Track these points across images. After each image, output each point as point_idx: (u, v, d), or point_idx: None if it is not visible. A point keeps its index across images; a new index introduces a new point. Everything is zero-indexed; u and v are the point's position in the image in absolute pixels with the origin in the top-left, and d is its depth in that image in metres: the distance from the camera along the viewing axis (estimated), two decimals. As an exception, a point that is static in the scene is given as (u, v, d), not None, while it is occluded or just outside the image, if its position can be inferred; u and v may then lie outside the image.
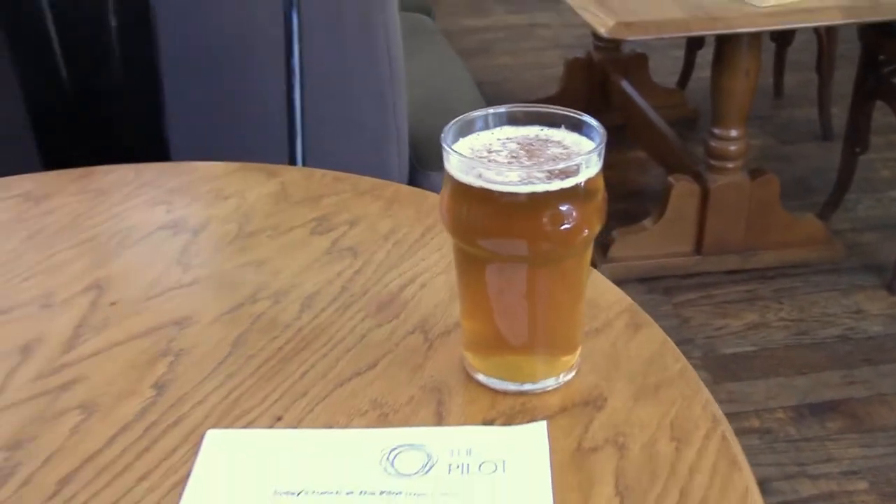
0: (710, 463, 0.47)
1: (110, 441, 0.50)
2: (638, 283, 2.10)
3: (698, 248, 2.10)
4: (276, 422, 0.51)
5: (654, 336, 0.57)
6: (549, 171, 0.48)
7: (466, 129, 0.51)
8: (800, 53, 3.02)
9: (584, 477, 0.46)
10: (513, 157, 0.50)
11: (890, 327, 1.93)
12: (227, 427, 0.51)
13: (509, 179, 0.48)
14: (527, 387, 0.52)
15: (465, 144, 0.51)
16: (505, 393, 0.52)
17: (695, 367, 1.83)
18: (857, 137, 2.18)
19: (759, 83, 3.03)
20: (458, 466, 0.47)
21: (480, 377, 0.53)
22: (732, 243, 2.09)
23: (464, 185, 0.48)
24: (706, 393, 0.52)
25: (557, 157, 0.49)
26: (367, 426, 0.50)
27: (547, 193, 0.47)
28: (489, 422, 0.50)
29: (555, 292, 0.51)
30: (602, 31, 1.72)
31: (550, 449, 0.48)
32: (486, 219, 0.49)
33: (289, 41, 1.12)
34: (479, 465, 0.47)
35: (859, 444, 1.63)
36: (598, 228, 0.50)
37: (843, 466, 1.59)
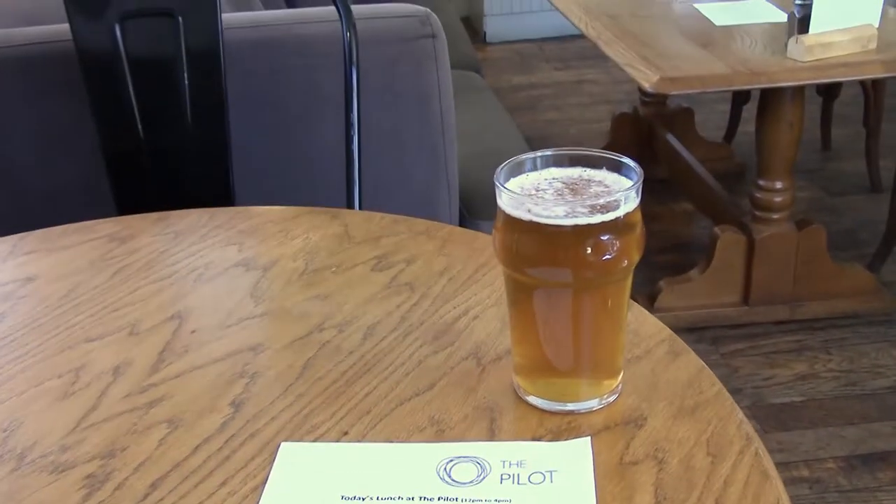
0: (743, 476, 0.51)
1: (194, 451, 0.56)
2: (686, 332, 2.12)
3: (746, 299, 2.12)
4: (342, 436, 0.56)
5: (691, 363, 0.61)
6: (591, 206, 0.53)
7: (516, 170, 0.56)
8: (847, 107, 3.04)
9: (625, 486, 0.50)
10: (558, 194, 0.55)
11: (942, 378, 1.91)
12: (298, 440, 0.56)
13: (555, 213, 0.53)
14: (571, 406, 0.56)
15: (516, 183, 0.56)
16: (552, 413, 0.57)
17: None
18: (905, 189, 2.19)
19: (807, 136, 3.07)
20: (509, 476, 0.51)
21: (529, 398, 0.57)
22: (780, 294, 2.10)
23: (514, 219, 0.53)
24: (740, 414, 0.56)
25: (599, 194, 0.54)
26: (425, 440, 0.55)
27: (590, 226, 0.52)
28: (538, 438, 0.55)
29: (597, 318, 0.56)
30: (647, 86, 1.78)
31: (594, 462, 0.52)
32: (535, 249, 0.54)
33: (348, 96, 1.20)
34: (529, 476, 0.51)
35: (912, 496, 1.62)
36: (636, 259, 0.55)
37: (895, 517, 1.58)
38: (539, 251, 0.53)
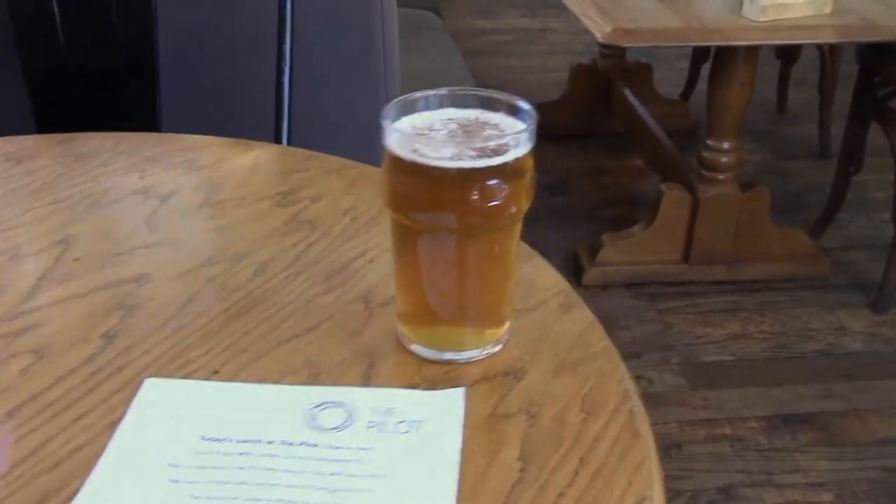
0: (613, 434, 0.50)
1: (56, 382, 0.53)
2: (624, 288, 2.13)
3: (686, 257, 2.12)
4: (212, 374, 0.54)
5: (583, 317, 0.60)
6: (479, 150, 0.50)
7: (408, 108, 0.54)
8: (806, 71, 3.04)
9: (493, 440, 0.49)
10: (450, 135, 0.53)
11: (870, 345, 1.95)
12: (166, 377, 0.54)
13: (442, 155, 0.50)
14: (450, 355, 0.55)
15: (408, 122, 0.54)
16: (432, 361, 0.55)
17: (673, 373, 1.84)
18: (851, 157, 2.20)
19: (763, 99, 3.07)
20: (375, 424, 0.50)
21: (410, 345, 0.56)
22: (720, 254, 2.11)
23: (399, 159, 0.51)
24: (623, 370, 0.55)
25: (490, 137, 0.52)
26: (298, 383, 0.53)
27: (476, 170, 0.50)
28: (413, 386, 0.53)
29: (482, 266, 0.54)
30: (599, 36, 1.75)
31: (466, 414, 0.51)
32: (419, 192, 0.51)
33: (281, 25, 1.15)
34: (396, 424, 0.50)
35: (828, 458, 1.65)
36: (525, 206, 0.53)
37: (809, 478, 1.61)
38: (423, 194, 0.51)
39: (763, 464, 1.64)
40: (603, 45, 2.64)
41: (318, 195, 0.75)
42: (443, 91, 0.54)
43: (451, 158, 0.50)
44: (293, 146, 1.24)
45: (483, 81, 3.29)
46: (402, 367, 0.55)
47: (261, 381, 0.53)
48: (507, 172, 0.51)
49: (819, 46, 2.66)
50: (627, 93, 2.65)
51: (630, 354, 1.91)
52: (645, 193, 2.52)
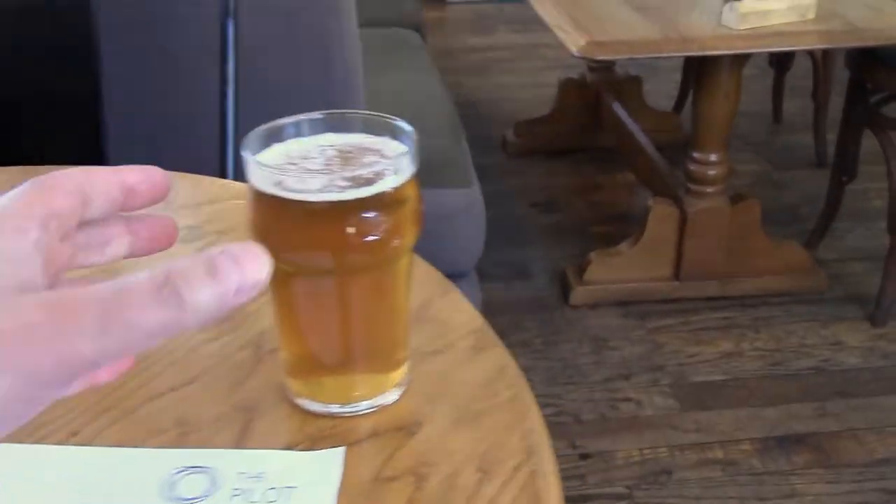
0: (510, 497, 0.44)
1: None
2: (614, 307, 2.06)
3: (676, 274, 2.06)
4: (70, 437, 0.49)
5: (495, 360, 0.54)
6: (351, 179, 0.45)
7: (277, 136, 0.48)
8: (802, 79, 2.98)
9: (371, 508, 0.43)
10: (326, 164, 0.47)
11: (867, 360, 1.87)
12: (18, 442, 0.48)
13: (310, 188, 0.45)
14: (336, 408, 0.49)
15: (282, 150, 0.48)
16: (318, 415, 0.49)
17: (663, 394, 1.77)
18: (844, 166, 2.14)
19: (759, 109, 3.01)
20: (241, 493, 0.44)
21: (294, 398, 0.50)
22: (711, 269, 2.05)
23: (263, 195, 0.46)
24: (533, 422, 0.49)
25: (365, 165, 0.46)
26: (163, 445, 0.48)
27: (348, 202, 0.45)
28: (292, 446, 0.47)
29: (368, 307, 0.48)
30: (574, 49, 1.69)
31: (346, 477, 0.45)
32: (289, 230, 0.46)
33: (223, 47, 1.11)
34: (265, 492, 0.44)
35: (824, 480, 1.58)
36: (412, 238, 0.48)
37: (805, 502, 1.54)
38: (292, 233, 0.46)
39: (757, 488, 1.57)
40: (591, 59, 2.58)
41: (226, 229, 0.70)
42: (317, 115, 0.49)
43: (319, 191, 0.44)
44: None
45: (473, 99, 3.25)
46: (283, 423, 0.49)
47: (121, 443, 0.48)
48: (385, 203, 0.45)
49: (811, 54, 2.60)
50: (617, 106, 2.59)
51: (619, 376, 1.85)
52: (637, 209, 2.46)
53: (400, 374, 0.51)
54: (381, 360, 0.50)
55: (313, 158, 0.48)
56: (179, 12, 1.23)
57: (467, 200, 1.54)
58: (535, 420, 0.50)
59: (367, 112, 0.49)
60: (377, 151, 0.48)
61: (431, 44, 2.95)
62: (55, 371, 0.29)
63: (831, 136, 2.67)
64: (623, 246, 2.07)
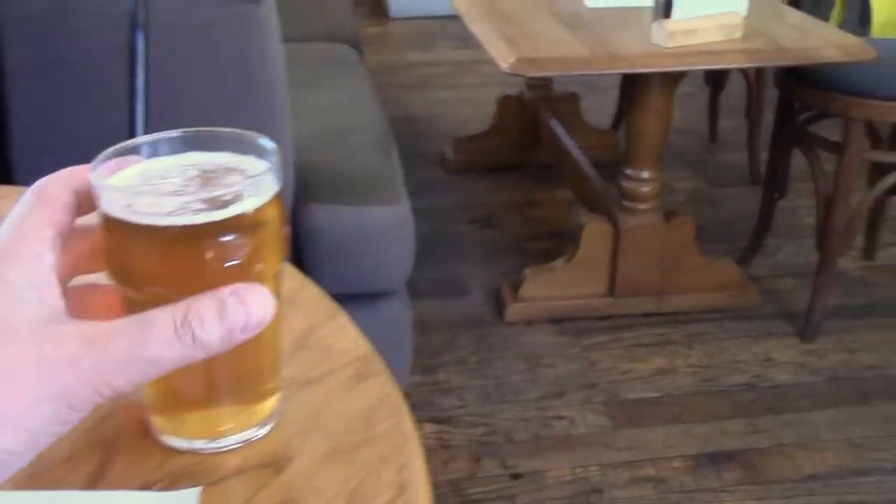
0: (375, 539, 0.41)
1: None
2: (549, 324, 2.06)
3: (611, 290, 2.06)
4: None
5: (377, 389, 0.52)
6: (208, 201, 0.42)
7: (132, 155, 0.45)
8: (736, 98, 3.02)
9: (225, 554, 0.40)
10: (185, 185, 0.44)
11: (797, 376, 1.89)
12: None
13: (162, 211, 0.42)
14: (200, 444, 0.46)
15: (139, 171, 0.45)
16: (180, 452, 0.46)
17: (596, 412, 1.75)
18: (775, 183, 2.16)
19: (695, 127, 3.05)
20: (85, 538, 0.41)
21: (158, 435, 0.47)
22: (646, 286, 2.05)
23: (113, 219, 0.43)
24: (409, 455, 0.47)
25: (230, 185, 0.44)
26: (4, 489, 0.44)
27: (202, 226, 0.42)
28: (149, 485, 0.44)
29: (230, 339, 0.45)
30: (504, 66, 1.69)
31: (201, 519, 0.42)
32: (143, 257, 0.43)
33: (132, 60, 1.07)
34: (111, 537, 0.41)
35: (754, 497, 1.58)
36: (276, 263, 0.45)
37: (734, 520, 1.54)
38: (145, 260, 0.43)
39: (687, 507, 1.57)
40: (523, 76, 2.59)
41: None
42: (176, 133, 0.46)
43: (171, 214, 0.42)
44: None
45: (413, 114, 3.24)
46: (142, 460, 0.46)
47: (-37, 486, 0.44)
48: (244, 225, 0.43)
49: (745, 73, 2.64)
50: (555, 123, 2.60)
51: (553, 394, 1.84)
52: (573, 226, 2.45)
53: (269, 406, 0.48)
54: (247, 392, 0.47)
55: (172, 179, 0.45)
56: (89, 24, 1.19)
57: (395, 218, 1.51)
58: (412, 452, 0.47)
59: (231, 130, 0.47)
60: (242, 171, 0.45)
61: (372, 59, 2.93)
62: (89, 399, 0.36)
63: (764, 155, 2.71)
64: (558, 263, 2.07)
